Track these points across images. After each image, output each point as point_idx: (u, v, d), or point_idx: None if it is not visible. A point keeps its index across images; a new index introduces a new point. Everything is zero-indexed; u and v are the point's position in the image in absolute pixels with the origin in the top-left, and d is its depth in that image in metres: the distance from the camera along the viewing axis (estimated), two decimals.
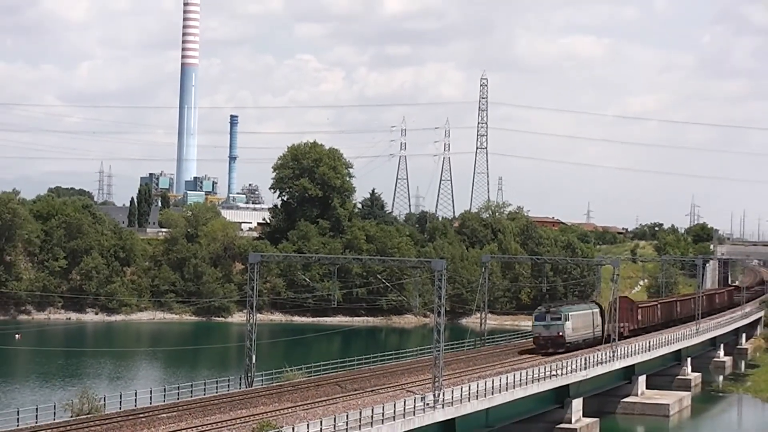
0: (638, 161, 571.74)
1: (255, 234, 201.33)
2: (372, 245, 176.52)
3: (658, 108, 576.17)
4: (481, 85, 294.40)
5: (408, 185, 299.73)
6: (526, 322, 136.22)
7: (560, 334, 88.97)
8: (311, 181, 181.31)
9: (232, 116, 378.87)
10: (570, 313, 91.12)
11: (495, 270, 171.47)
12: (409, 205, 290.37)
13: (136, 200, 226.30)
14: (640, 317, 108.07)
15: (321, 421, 50.96)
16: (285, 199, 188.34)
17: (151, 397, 61.46)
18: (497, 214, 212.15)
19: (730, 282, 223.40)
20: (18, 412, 52.94)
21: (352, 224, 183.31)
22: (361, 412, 54.24)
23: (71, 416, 55.66)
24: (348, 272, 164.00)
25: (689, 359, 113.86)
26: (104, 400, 59.02)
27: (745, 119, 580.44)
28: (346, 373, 74.75)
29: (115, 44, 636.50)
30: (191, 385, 65.64)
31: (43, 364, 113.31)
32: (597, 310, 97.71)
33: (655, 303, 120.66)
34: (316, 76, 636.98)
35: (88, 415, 55.27)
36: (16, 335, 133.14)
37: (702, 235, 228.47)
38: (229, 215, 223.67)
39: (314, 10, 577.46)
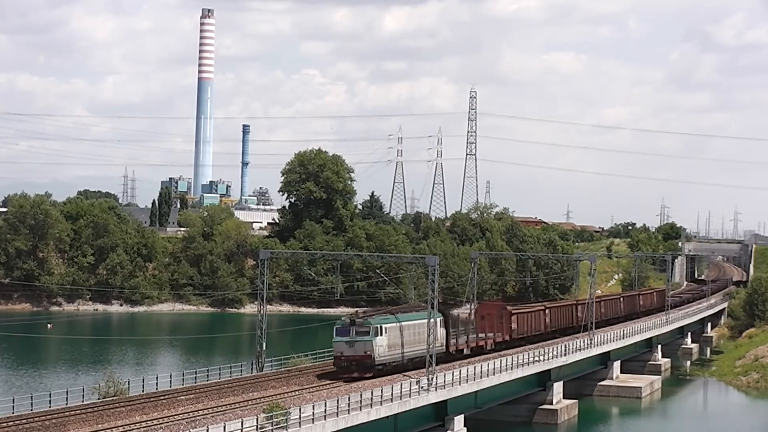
0: (613, 166, 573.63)
1: (265, 233, 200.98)
2: (371, 243, 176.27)
3: (631, 118, 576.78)
4: (470, 98, 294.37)
5: (404, 188, 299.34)
6: None
7: (368, 353, 62.34)
8: (316, 185, 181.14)
9: (244, 126, 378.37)
10: (384, 326, 63.77)
11: (483, 265, 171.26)
12: (405, 207, 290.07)
13: (157, 202, 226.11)
14: (514, 326, 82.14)
15: (325, 403, 50.93)
16: (292, 201, 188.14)
17: (170, 381, 61.35)
18: (485, 214, 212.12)
19: (696, 276, 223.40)
20: (50, 394, 52.90)
21: (353, 224, 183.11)
22: (361, 395, 54.24)
23: (98, 398, 55.58)
24: (350, 267, 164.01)
25: (660, 346, 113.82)
26: (128, 384, 58.90)
27: (710, 129, 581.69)
28: None
29: (137, 60, 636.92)
30: (207, 370, 65.51)
31: (73, 351, 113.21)
32: (439, 319, 67.30)
33: (541, 308, 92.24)
34: (320, 89, 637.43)
35: (114, 398, 55.18)
36: (48, 325, 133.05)
37: (671, 233, 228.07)
38: (241, 216, 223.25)
39: (319, 30, 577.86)
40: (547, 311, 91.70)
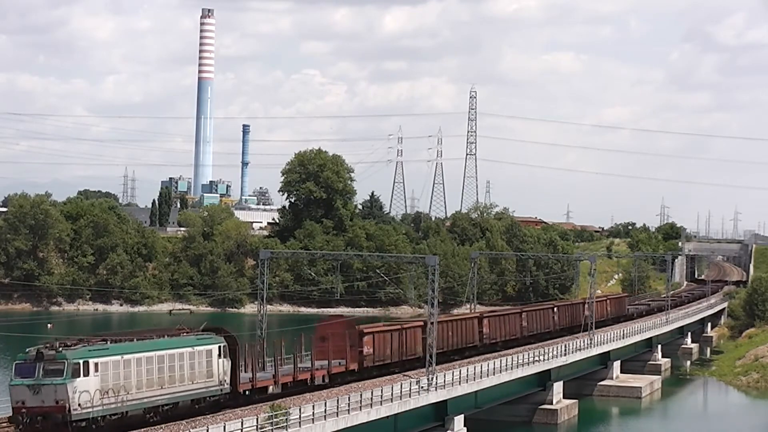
0: (613, 166, 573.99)
1: (265, 232, 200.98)
2: (371, 243, 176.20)
3: (631, 118, 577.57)
4: (470, 97, 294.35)
5: (404, 188, 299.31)
6: None
7: (61, 403, 41.46)
8: (316, 185, 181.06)
9: (244, 126, 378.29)
10: (93, 360, 42.77)
11: (483, 265, 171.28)
12: (405, 207, 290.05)
13: (157, 202, 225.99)
14: (368, 350, 62.54)
15: (325, 403, 50.91)
16: (292, 200, 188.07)
17: None
18: (485, 214, 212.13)
19: (696, 276, 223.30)
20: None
21: (353, 224, 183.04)
22: (361, 395, 54.21)
23: None
24: (349, 267, 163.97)
25: (660, 346, 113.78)
26: None
27: (710, 129, 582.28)
28: None
29: (138, 60, 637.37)
30: None
31: None
32: (215, 346, 49.93)
33: (398, 328, 67.59)
34: (320, 89, 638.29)
35: None
36: (49, 324, 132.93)
37: (671, 233, 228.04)
38: (241, 215, 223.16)
39: (319, 29, 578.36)
40: (423, 330, 67.60)
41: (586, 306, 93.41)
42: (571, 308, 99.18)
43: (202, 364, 48.32)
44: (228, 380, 50.26)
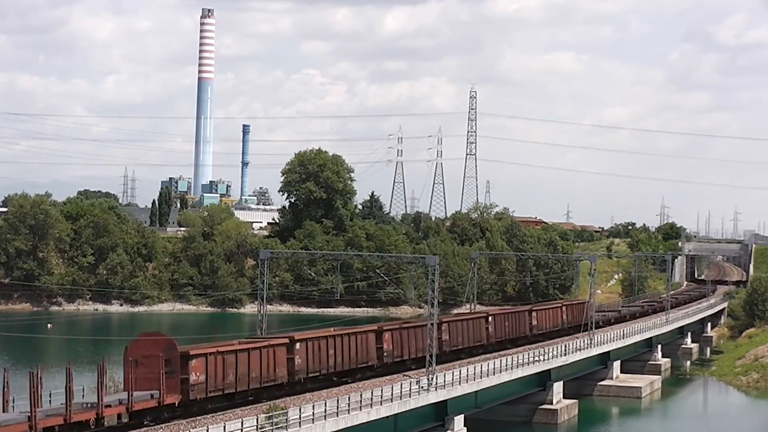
0: (613, 166, 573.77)
1: (265, 233, 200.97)
2: (371, 243, 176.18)
3: (631, 118, 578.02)
4: (470, 97, 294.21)
5: (404, 188, 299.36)
6: None
7: None
8: (316, 185, 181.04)
9: (244, 126, 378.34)
10: None
11: (483, 265, 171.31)
12: (405, 207, 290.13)
13: (157, 202, 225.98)
14: (196, 376, 48.70)
15: (325, 403, 50.94)
16: (292, 200, 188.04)
17: None
18: (485, 214, 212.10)
19: (696, 276, 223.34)
20: (50, 394, 52.80)
21: (353, 224, 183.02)
22: (361, 395, 54.23)
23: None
24: (350, 267, 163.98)
25: (660, 346, 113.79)
26: None
27: (710, 129, 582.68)
28: None
29: (138, 60, 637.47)
30: None
31: (73, 351, 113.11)
32: None
33: (247, 347, 52.99)
34: (320, 89, 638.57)
35: None
36: (49, 324, 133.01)
37: (671, 233, 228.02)
38: (241, 215, 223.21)
39: (319, 29, 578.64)
40: (324, 342, 58.45)
41: (587, 306, 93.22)
42: (578, 307, 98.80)
43: None
44: None
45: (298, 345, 56.20)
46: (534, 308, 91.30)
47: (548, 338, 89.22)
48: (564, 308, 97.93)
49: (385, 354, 64.33)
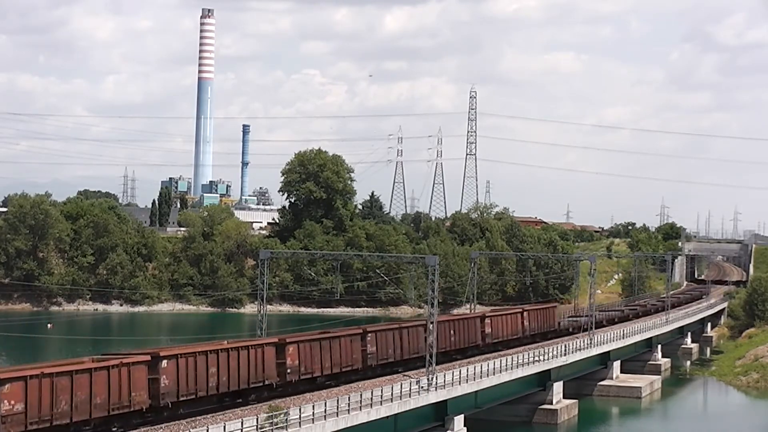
0: (613, 166, 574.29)
1: (265, 233, 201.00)
2: (371, 243, 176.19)
3: (631, 118, 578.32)
4: (470, 97, 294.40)
5: (404, 188, 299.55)
6: None
7: None
8: (316, 185, 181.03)
9: (244, 126, 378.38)
10: None
11: (483, 265, 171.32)
12: (405, 207, 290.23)
13: (157, 202, 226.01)
14: None
15: (325, 403, 50.94)
16: (292, 200, 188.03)
17: None
18: (485, 214, 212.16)
19: (696, 276, 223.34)
20: None
21: (353, 224, 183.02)
22: (361, 395, 54.22)
23: None
24: (349, 267, 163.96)
25: (660, 346, 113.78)
26: None
27: (710, 129, 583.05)
28: None
29: (138, 60, 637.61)
30: None
31: (73, 351, 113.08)
32: None
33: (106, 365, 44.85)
34: (321, 89, 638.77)
35: None
36: (49, 325, 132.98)
37: (671, 233, 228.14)
38: (241, 215, 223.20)
39: (319, 29, 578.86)
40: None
41: (587, 307, 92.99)
42: (544, 312, 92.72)
43: None
44: None
45: (164, 363, 47.51)
46: (487, 314, 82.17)
47: (507, 347, 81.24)
48: (526, 314, 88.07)
49: (288, 371, 56.11)
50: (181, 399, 48.39)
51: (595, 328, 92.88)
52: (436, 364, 61.45)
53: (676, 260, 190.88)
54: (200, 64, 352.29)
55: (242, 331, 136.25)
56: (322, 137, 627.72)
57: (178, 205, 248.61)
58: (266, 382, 54.25)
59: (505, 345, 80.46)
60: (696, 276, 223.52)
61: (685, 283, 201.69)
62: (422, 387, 60.04)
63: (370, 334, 62.87)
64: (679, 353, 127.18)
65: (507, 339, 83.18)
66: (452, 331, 74.11)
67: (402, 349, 66.38)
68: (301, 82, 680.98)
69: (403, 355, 66.28)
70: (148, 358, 47.15)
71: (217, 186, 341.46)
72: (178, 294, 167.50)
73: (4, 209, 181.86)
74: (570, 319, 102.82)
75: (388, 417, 56.37)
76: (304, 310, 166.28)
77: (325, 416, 49.71)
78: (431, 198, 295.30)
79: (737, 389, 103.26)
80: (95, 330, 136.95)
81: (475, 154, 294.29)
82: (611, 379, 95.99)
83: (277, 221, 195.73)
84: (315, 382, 58.52)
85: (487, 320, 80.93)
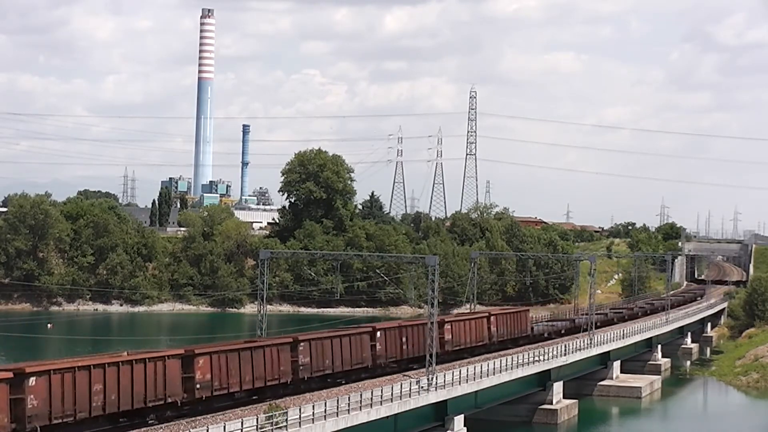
0: (613, 166, 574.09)
1: (265, 232, 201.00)
2: (371, 243, 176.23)
3: (631, 118, 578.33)
4: (470, 97, 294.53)
5: (404, 188, 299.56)
6: None
7: None
8: (316, 185, 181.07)
9: (244, 126, 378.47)
10: None
11: (483, 265, 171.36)
12: (405, 207, 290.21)
13: (157, 202, 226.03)
14: None
15: (325, 403, 50.93)
16: (292, 200, 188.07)
17: None
18: (485, 214, 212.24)
19: (696, 276, 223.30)
20: None
21: (353, 224, 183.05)
22: (361, 395, 54.21)
23: None
24: (349, 267, 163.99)
25: (660, 346, 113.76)
26: None
27: (710, 129, 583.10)
28: None
29: (138, 60, 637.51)
30: None
31: (73, 351, 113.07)
32: None
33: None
34: (320, 89, 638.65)
35: None
36: (49, 325, 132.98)
37: (671, 233, 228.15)
38: (241, 216, 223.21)
39: (319, 29, 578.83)
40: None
41: (587, 307, 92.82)
42: (515, 317, 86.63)
43: None
44: None
45: (32, 380, 40.64)
46: (447, 319, 74.20)
47: (471, 354, 74.41)
48: (493, 318, 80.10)
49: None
50: (55, 422, 41.00)
51: (581, 332, 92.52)
52: (389, 373, 60.19)
53: (676, 260, 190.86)
54: (200, 64, 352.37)
55: (242, 331, 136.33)
56: (322, 137, 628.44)
57: (178, 205, 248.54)
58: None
59: (470, 353, 74.20)
60: (696, 276, 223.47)
61: (685, 283, 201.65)
62: (422, 387, 60.04)
63: (303, 344, 57.22)
64: (679, 353, 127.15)
65: (471, 346, 75.59)
66: (401, 339, 66.35)
67: (343, 360, 60.48)
68: (301, 82, 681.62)
69: (342, 366, 60.58)
70: (11, 375, 39.71)
71: (217, 186, 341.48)
72: (178, 294, 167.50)
73: (4, 209, 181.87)
74: (547, 323, 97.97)
75: (388, 417, 56.36)
76: (304, 310, 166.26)
77: (325, 416, 49.70)
78: (431, 198, 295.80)
79: (737, 389, 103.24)
80: (95, 330, 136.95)
81: (475, 154, 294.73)
82: (611, 379, 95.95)
83: (277, 221, 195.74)
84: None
85: (447, 326, 72.47)
